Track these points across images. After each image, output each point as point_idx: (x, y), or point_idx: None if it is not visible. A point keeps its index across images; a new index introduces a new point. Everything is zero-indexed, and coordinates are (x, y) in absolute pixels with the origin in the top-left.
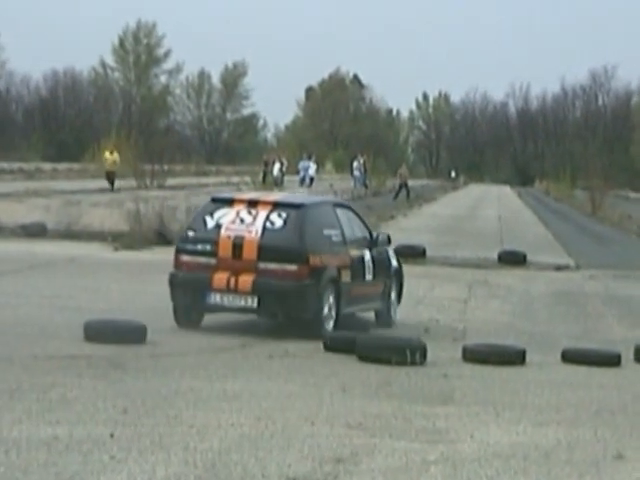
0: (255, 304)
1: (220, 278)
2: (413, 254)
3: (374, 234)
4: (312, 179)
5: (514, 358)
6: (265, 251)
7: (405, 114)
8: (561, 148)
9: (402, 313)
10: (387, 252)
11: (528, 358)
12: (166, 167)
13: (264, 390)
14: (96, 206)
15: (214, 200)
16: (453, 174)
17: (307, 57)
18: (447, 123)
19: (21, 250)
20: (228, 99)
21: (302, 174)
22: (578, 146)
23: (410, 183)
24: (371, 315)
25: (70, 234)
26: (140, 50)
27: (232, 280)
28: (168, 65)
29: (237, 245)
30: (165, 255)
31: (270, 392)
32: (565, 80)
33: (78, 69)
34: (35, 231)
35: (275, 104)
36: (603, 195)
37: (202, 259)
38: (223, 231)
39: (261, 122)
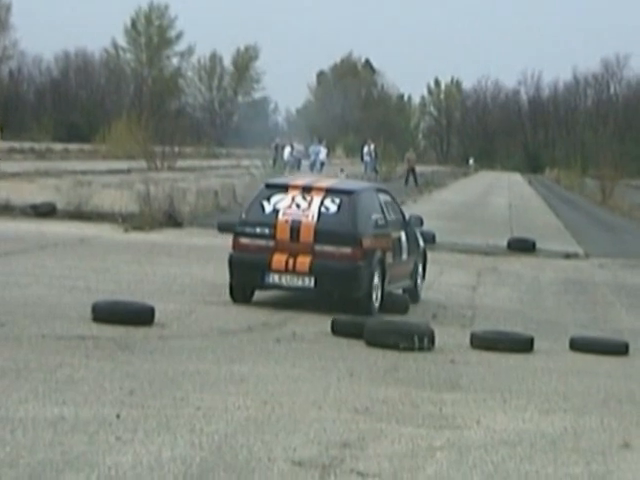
0: (312, 284)
1: (279, 259)
2: (423, 240)
3: (407, 216)
4: (322, 164)
5: (522, 345)
6: (321, 234)
7: (417, 100)
8: (572, 136)
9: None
10: (415, 232)
11: (536, 346)
12: (177, 149)
13: (271, 374)
14: (107, 187)
15: (269, 186)
16: (471, 161)
17: (319, 41)
18: (458, 109)
19: (31, 230)
20: (239, 82)
21: (313, 158)
22: (589, 135)
23: (420, 169)
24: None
25: (80, 215)
26: (152, 32)
27: (290, 261)
28: (180, 47)
29: (294, 229)
30: (175, 237)
31: (277, 376)
32: (577, 68)
33: (90, 50)
34: (45, 211)
35: (286, 88)
36: (613, 184)
37: (261, 241)
38: (281, 215)
39: (272, 106)
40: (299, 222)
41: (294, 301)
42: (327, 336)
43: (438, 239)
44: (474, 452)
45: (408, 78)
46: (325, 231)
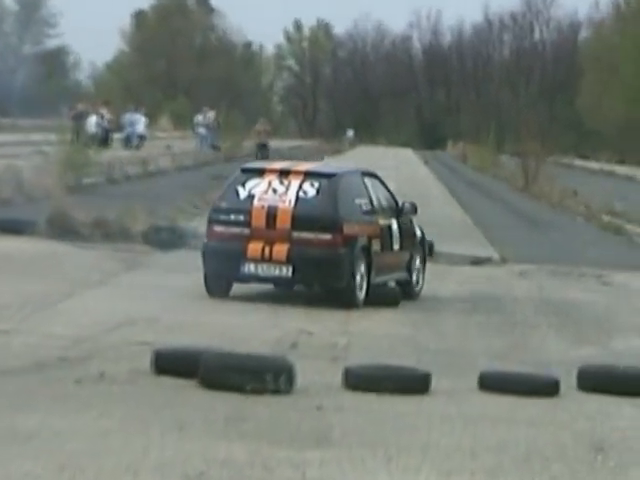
0: (290, 273)
1: (254, 248)
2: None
3: (399, 203)
4: (142, 137)
5: (414, 384)
6: (299, 220)
7: (270, 50)
8: (483, 99)
9: (259, 323)
10: (411, 221)
11: (433, 384)
12: None
13: (69, 428)
14: None
15: (244, 170)
16: (349, 134)
17: None
18: (328, 63)
19: None
20: (26, 26)
21: (128, 131)
22: (507, 96)
23: (275, 144)
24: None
25: None
26: None
27: (267, 249)
28: None
29: (271, 215)
30: None
31: (78, 430)
32: (489, 6)
33: None
34: None
35: (92, 34)
36: (540, 163)
37: (235, 229)
38: (256, 201)
39: (72, 59)
40: (275, 208)
41: (104, 326)
42: (147, 375)
43: None
44: None
45: (258, 21)
46: (303, 217)
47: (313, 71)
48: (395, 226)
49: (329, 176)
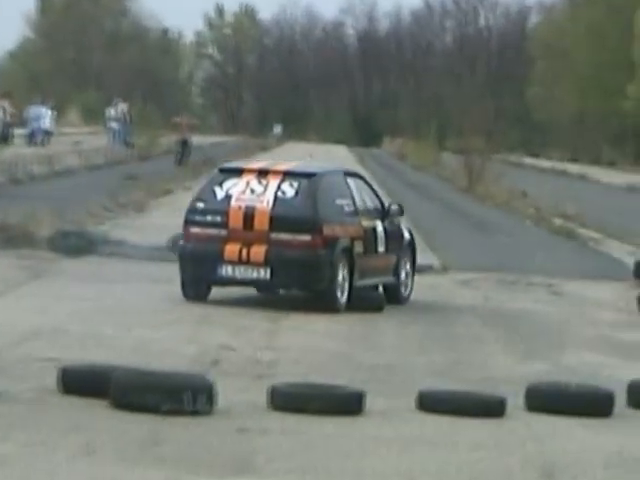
0: (268, 275)
1: (232, 249)
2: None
3: (386, 205)
4: (48, 133)
5: (347, 404)
6: (277, 221)
7: (190, 37)
8: (424, 91)
9: (177, 337)
10: (399, 224)
11: (368, 404)
12: None
13: None
14: None
15: (222, 170)
16: (277, 129)
17: None
18: (253, 51)
19: None
20: None
21: (33, 126)
22: (449, 88)
23: (196, 140)
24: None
25: None
26: None
27: (244, 251)
28: None
29: (248, 215)
30: None
31: None
32: None
33: None
34: None
35: None
36: (485, 161)
37: (212, 230)
38: (233, 202)
39: None
40: (253, 208)
41: (5, 340)
42: (54, 395)
43: None
44: None
45: (176, 5)
46: (281, 217)
47: (237, 60)
48: (380, 228)
49: (309, 176)
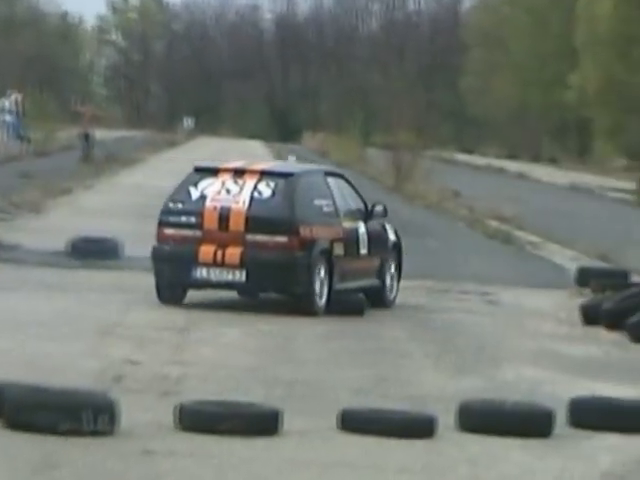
0: (243, 278)
1: (206, 251)
2: (101, 251)
3: (369, 206)
4: None
5: (261, 424)
6: (253, 222)
7: (92, 22)
8: (347, 81)
9: (77, 350)
10: (384, 225)
11: (285, 424)
12: None
13: None
14: None
15: (197, 170)
16: (188, 122)
17: None
18: (160, 38)
19: None
20: None
21: None
22: (375, 78)
23: (98, 134)
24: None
25: None
26: None
27: (219, 253)
28: None
29: (223, 216)
30: None
31: None
32: None
33: None
34: None
35: None
36: (414, 158)
37: (187, 232)
38: (208, 202)
39: None
40: (228, 209)
41: None
42: None
43: (127, 251)
44: None
45: None
46: (257, 218)
47: (143, 48)
48: (363, 229)
49: (286, 176)
